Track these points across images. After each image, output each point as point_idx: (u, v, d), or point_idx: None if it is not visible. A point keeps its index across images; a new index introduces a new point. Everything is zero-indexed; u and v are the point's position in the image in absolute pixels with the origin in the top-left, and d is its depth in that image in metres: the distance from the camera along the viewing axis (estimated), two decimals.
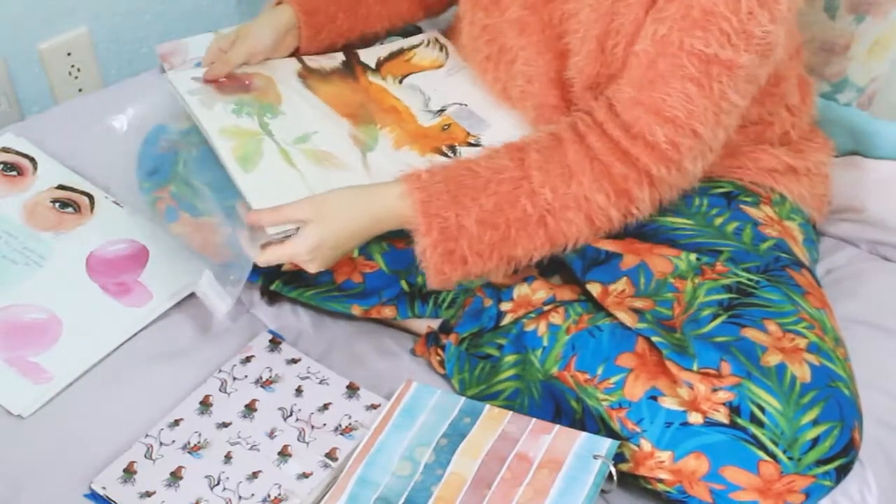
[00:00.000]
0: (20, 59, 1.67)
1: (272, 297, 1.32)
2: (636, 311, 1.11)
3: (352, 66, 1.33)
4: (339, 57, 1.34)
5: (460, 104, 1.27)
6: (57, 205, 1.39)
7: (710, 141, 1.09)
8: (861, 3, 1.37)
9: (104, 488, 1.09)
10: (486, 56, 1.23)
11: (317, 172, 1.16)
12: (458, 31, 1.32)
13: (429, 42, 1.36)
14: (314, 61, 1.31)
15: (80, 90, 1.76)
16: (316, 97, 1.27)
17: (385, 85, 1.31)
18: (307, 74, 1.29)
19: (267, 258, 1.10)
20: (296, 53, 1.32)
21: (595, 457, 1.03)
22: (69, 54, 1.72)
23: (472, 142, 1.23)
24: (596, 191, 1.09)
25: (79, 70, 1.74)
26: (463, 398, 1.13)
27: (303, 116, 1.23)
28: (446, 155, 1.22)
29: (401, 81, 1.31)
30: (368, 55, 1.35)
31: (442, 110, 1.25)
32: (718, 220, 1.17)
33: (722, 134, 1.09)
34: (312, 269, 1.11)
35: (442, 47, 1.37)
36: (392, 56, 1.35)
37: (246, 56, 1.25)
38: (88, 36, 1.73)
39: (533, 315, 1.18)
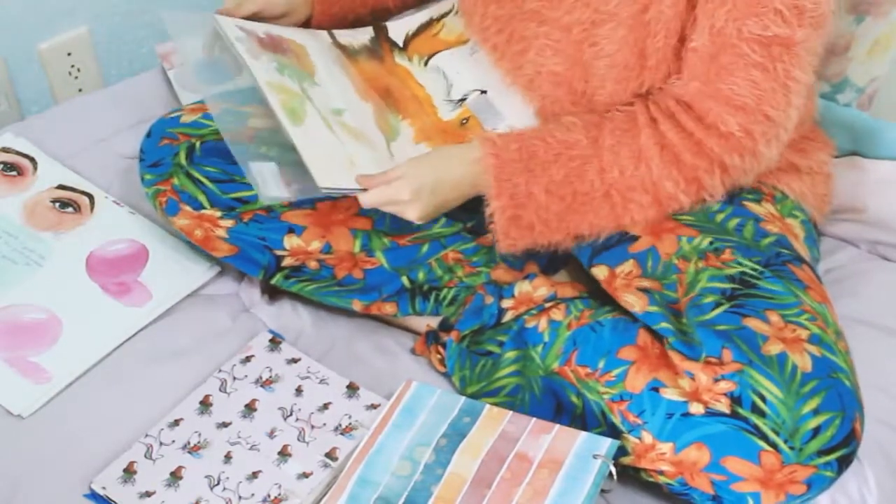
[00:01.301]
0: (20, 59, 1.67)
1: (272, 297, 1.33)
2: (645, 291, 1.11)
3: (379, 45, 1.32)
4: (368, 32, 1.33)
5: (480, 91, 1.26)
6: (57, 205, 1.39)
7: (783, 122, 1.10)
8: (861, 3, 1.37)
9: (104, 488, 1.09)
10: (493, 45, 1.23)
11: (354, 145, 1.18)
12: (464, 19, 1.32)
13: (457, 10, 1.33)
14: (343, 37, 1.31)
15: (80, 90, 1.76)
16: (345, 75, 1.27)
17: (410, 68, 1.31)
18: (338, 50, 1.30)
19: (371, 198, 1.11)
20: (309, 24, 1.32)
21: (595, 456, 1.03)
22: (69, 54, 1.72)
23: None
24: (665, 177, 1.11)
25: (79, 70, 1.74)
26: (463, 398, 1.13)
27: (334, 92, 1.24)
28: None
29: (426, 63, 1.31)
30: (397, 29, 1.34)
31: (462, 99, 1.25)
32: (720, 216, 1.17)
33: (794, 113, 1.10)
34: (412, 213, 1.11)
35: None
36: (420, 30, 1.33)
37: (261, 6, 1.25)
38: (88, 36, 1.73)
39: (534, 312, 1.18)
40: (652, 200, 1.13)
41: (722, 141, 1.10)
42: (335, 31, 1.32)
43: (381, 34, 1.33)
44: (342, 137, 1.18)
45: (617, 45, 1.12)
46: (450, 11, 1.34)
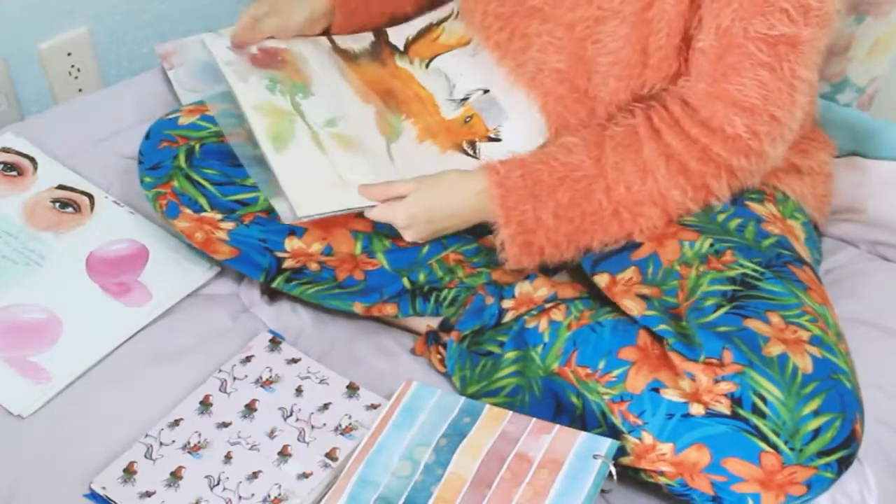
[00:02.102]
0: (20, 59, 1.67)
1: (272, 297, 1.32)
2: (643, 297, 1.12)
3: (380, 49, 1.33)
4: (369, 37, 1.34)
5: (483, 90, 1.26)
6: (57, 205, 1.39)
7: (788, 122, 1.10)
8: (861, 2, 1.37)
9: (104, 488, 1.09)
10: (495, 43, 1.23)
11: (345, 158, 1.19)
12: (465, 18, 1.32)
13: (457, 14, 1.34)
14: (344, 41, 1.32)
15: (80, 90, 1.76)
16: (344, 80, 1.28)
17: (412, 70, 1.31)
18: (338, 55, 1.30)
19: (372, 213, 1.15)
20: (325, 33, 1.32)
21: (595, 456, 1.03)
22: (69, 54, 1.72)
23: (492, 136, 1.24)
24: (672, 187, 1.12)
25: (79, 70, 1.74)
26: (463, 398, 1.13)
27: (331, 99, 1.25)
28: (466, 152, 1.23)
29: (427, 65, 1.31)
30: (397, 35, 1.34)
31: (465, 98, 1.26)
32: (721, 217, 1.17)
33: (798, 113, 1.11)
34: (408, 236, 1.16)
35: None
36: (420, 35, 1.34)
37: (276, 29, 1.27)
38: (88, 36, 1.73)
39: (534, 312, 1.18)
40: (661, 212, 1.14)
41: (728, 144, 1.10)
42: (335, 37, 1.32)
43: (382, 39, 1.34)
44: (333, 153, 1.19)
45: (620, 43, 1.12)
46: (449, 16, 1.34)
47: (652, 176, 1.11)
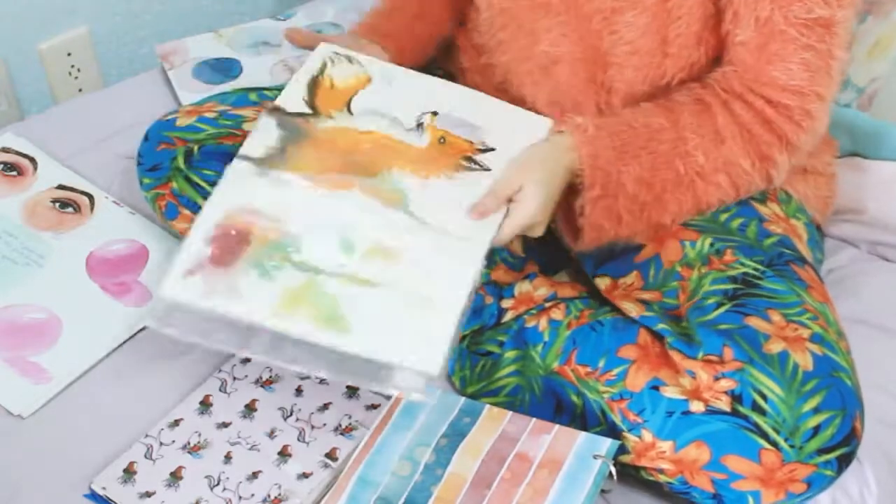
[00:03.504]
0: (20, 59, 1.67)
1: None
2: (643, 302, 1.12)
3: (294, 127, 1.10)
4: (271, 129, 1.09)
5: (431, 113, 1.15)
6: (57, 205, 1.39)
7: (830, 98, 1.13)
8: (861, 2, 1.37)
9: (104, 488, 1.09)
10: (499, 41, 1.22)
11: (398, 271, 1.00)
12: (467, 24, 1.32)
13: (332, 60, 1.17)
14: (253, 149, 1.07)
15: (80, 90, 1.76)
16: (309, 196, 1.05)
17: (341, 123, 1.12)
18: (269, 166, 1.06)
19: (504, 236, 1.06)
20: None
21: (595, 456, 1.03)
22: (69, 54, 1.72)
23: (481, 147, 1.14)
24: (743, 156, 1.12)
25: (79, 70, 1.74)
26: (463, 398, 1.13)
27: (317, 222, 1.03)
28: (470, 168, 1.12)
29: (349, 111, 1.13)
30: (290, 102, 1.12)
31: (420, 124, 1.14)
32: (724, 216, 1.17)
33: (836, 89, 1.14)
34: (541, 230, 1.09)
35: (350, 59, 1.18)
36: (313, 91, 1.14)
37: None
38: (88, 36, 1.73)
39: (534, 311, 1.18)
40: (730, 182, 1.13)
41: (787, 120, 1.12)
42: (241, 153, 1.07)
43: (281, 115, 1.11)
44: (383, 279, 1.00)
45: (638, 32, 1.12)
46: (324, 66, 1.16)
47: (727, 144, 1.12)
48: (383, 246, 1.02)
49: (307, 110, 1.12)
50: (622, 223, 1.12)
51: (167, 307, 0.98)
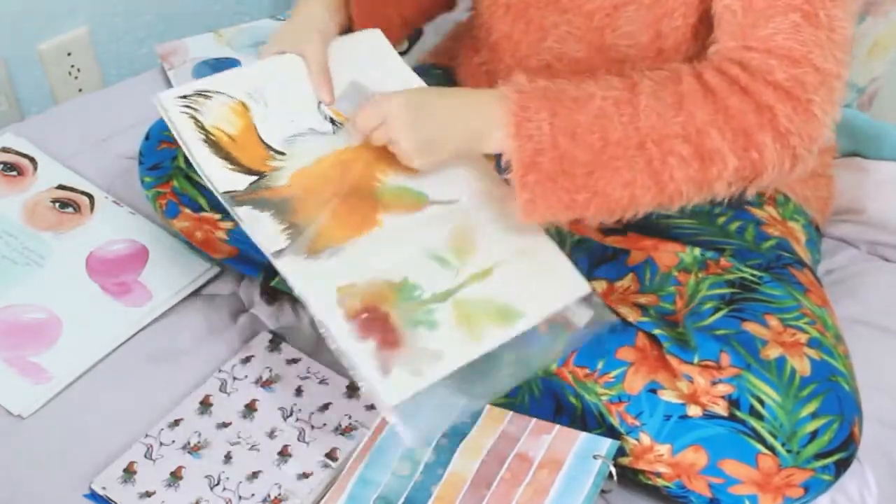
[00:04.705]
0: (20, 59, 1.67)
1: (272, 297, 1.32)
2: (639, 306, 1.12)
3: (269, 202, 1.03)
4: (260, 218, 1.01)
5: (322, 103, 1.10)
6: (57, 205, 1.39)
7: (836, 74, 1.00)
8: (861, 2, 1.37)
9: (104, 488, 1.09)
10: (505, 34, 1.22)
11: (489, 251, 1.02)
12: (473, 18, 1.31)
13: (191, 109, 1.06)
14: (273, 243, 1.01)
15: (80, 90, 1.76)
16: (348, 248, 1.01)
17: (290, 168, 1.05)
18: (307, 251, 1.01)
19: (368, 138, 1.02)
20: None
21: (595, 457, 1.03)
22: (69, 54, 1.72)
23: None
24: (709, 124, 0.99)
25: (79, 70, 1.74)
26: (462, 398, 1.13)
27: (396, 260, 1.01)
28: None
29: (271, 148, 1.06)
30: (225, 182, 1.02)
31: (329, 118, 1.10)
32: (721, 219, 1.17)
33: (845, 71, 1.01)
34: (415, 159, 1.02)
35: (200, 95, 1.08)
36: (226, 156, 1.04)
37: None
38: (88, 36, 1.73)
39: None
40: (694, 152, 0.99)
41: (770, 88, 0.99)
42: (287, 256, 1.00)
43: (245, 198, 1.02)
44: (491, 258, 1.02)
45: (637, 26, 1.12)
46: (196, 123, 1.06)
47: (687, 109, 0.99)
48: (459, 239, 1.03)
49: (250, 178, 1.03)
50: (557, 184, 1.00)
51: (405, 412, 0.95)
